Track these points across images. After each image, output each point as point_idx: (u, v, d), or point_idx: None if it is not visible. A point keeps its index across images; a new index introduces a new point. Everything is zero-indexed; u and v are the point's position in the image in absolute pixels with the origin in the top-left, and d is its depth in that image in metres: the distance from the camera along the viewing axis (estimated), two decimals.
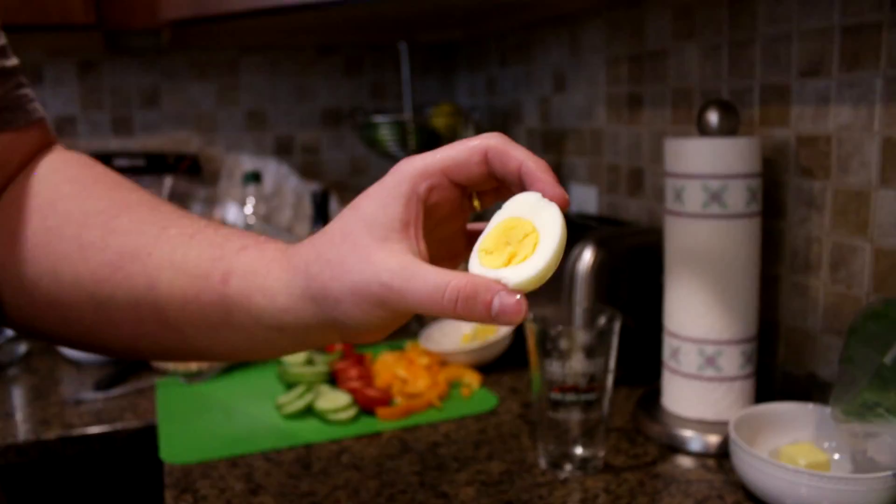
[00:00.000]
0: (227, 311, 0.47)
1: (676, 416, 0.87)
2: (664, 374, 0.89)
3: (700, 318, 0.84)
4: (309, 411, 0.95)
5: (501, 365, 1.09)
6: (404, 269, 0.42)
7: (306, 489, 0.76)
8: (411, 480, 0.78)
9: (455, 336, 1.13)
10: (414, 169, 0.45)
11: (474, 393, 1.00)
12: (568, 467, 0.78)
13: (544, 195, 0.44)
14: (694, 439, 0.83)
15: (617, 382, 1.00)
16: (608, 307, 0.80)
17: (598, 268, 0.99)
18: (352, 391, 0.96)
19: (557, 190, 0.44)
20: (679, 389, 0.87)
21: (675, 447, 0.83)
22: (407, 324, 1.31)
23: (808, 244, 0.89)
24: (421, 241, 0.45)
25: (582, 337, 0.77)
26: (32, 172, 0.54)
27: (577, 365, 0.76)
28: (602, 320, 0.79)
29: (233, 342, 0.49)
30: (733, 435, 0.72)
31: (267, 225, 1.42)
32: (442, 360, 1.07)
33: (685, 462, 0.81)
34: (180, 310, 0.48)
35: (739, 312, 0.83)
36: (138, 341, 0.51)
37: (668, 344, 0.88)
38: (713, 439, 0.82)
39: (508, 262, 0.43)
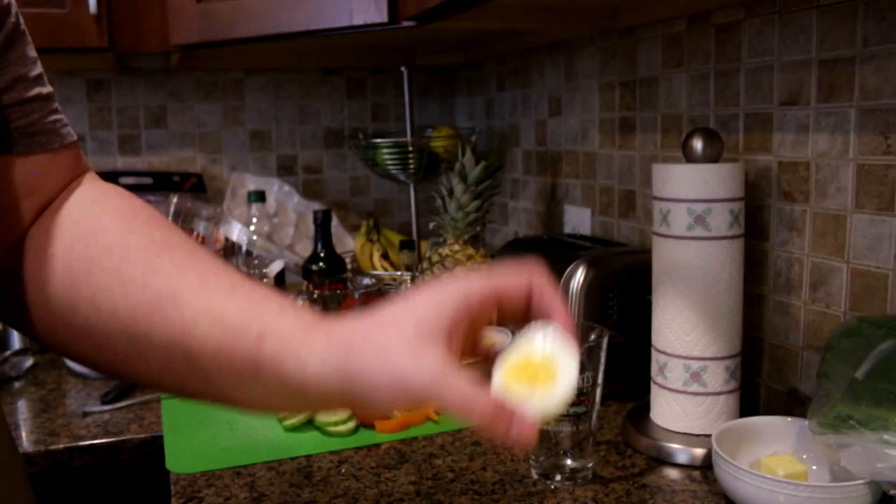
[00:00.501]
0: (256, 369, 0.49)
1: (663, 430, 0.90)
2: (652, 389, 0.93)
3: (686, 335, 0.88)
4: (309, 424, 0.98)
5: None
6: (444, 372, 0.46)
7: (307, 498, 0.80)
8: (408, 490, 0.81)
9: None
10: (472, 287, 0.50)
11: None
12: (558, 478, 0.82)
13: (564, 333, 0.51)
14: (680, 452, 0.86)
15: (607, 398, 1.04)
16: (596, 325, 0.84)
17: (590, 286, 1.03)
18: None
19: (575, 333, 0.52)
20: (666, 404, 0.90)
21: (662, 459, 0.87)
22: None
23: (790, 265, 0.93)
24: (459, 346, 0.49)
25: None
26: (70, 198, 0.57)
27: None
28: (591, 337, 0.82)
29: (253, 396, 0.52)
30: (716, 447, 0.76)
31: (269, 243, 1.46)
32: None
33: (671, 473, 0.84)
34: (211, 359, 0.50)
35: (723, 330, 0.87)
36: (165, 378, 0.53)
37: (656, 360, 0.92)
38: (698, 452, 0.86)
39: (531, 390, 0.49)
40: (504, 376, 0.50)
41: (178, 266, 0.52)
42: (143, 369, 0.53)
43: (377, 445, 0.93)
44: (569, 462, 0.82)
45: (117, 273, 0.52)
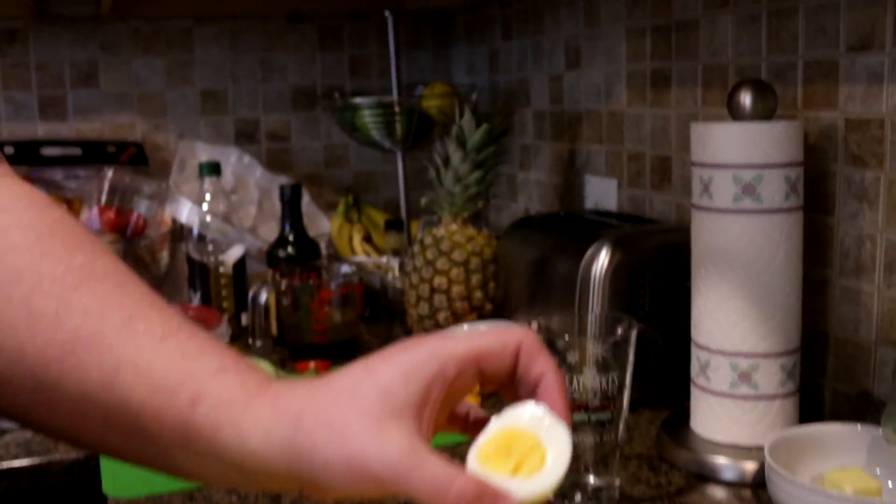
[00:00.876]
0: (187, 436, 0.49)
1: (706, 441, 0.91)
2: (693, 393, 0.94)
3: (732, 327, 0.89)
4: None
5: None
6: (412, 454, 0.46)
7: None
8: None
9: None
10: (448, 351, 0.50)
11: None
12: (578, 498, 0.83)
13: (553, 412, 0.51)
14: (726, 467, 0.88)
15: (640, 404, 1.05)
16: (625, 315, 0.85)
17: (616, 271, 1.04)
18: None
19: (566, 413, 0.51)
20: (709, 410, 0.91)
21: (705, 475, 0.88)
22: (393, 334, 1.36)
23: (860, 243, 0.94)
24: (431, 425, 0.49)
25: (594, 349, 0.81)
26: None
27: (588, 380, 0.81)
28: (617, 330, 0.83)
29: (183, 465, 0.52)
30: (769, 459, 0.77)
31: (227, 225, 1.47)
32: None
33: (716, 492, 0.85)
34: (134, 419, 0.50)
35: (778, 321, 0.88)
36: (79, 434, 0.53)
37: (697, 358, 0.93)
38: (749, 466, 0.87)
39: (514, 473, 0.49)
40: (481, 456, 0.50)
41: (100, 302, 0.52)
42: (52, 421, 0.53)
43: None
44: (591, 479, 0.83)
45: (25, 306, 0.51)
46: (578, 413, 0.81)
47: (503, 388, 0.54)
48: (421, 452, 0.47)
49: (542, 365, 0.52)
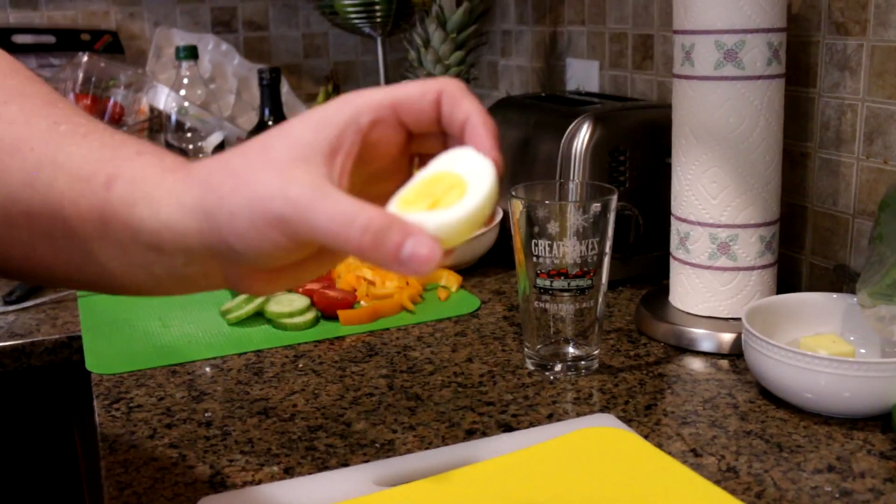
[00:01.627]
0: (104, 220, 0.49)
1: (684, 314, 0.91)
2: (672, 267, 0.94)
3: (712, 198, 0.88)
4: (259, 316, 0.99)
5: (484, 266, 1.14)
6: (316, 189, 0.44)
7: (258, 395, 0.81)
8: (378, 384, 0.82)
9: None
10: (360, 98, 0.48)
11: (452, 295, 1.05)
12: (558, 368, 0.83)
13: (479, 152, 0.47)
14: (704, 337, 0.88)
15: (619, 283, 1.05)
16: (603, 184, 0.84)
17: (596, 148, 1.02)
18: (309, 294, 1.00)
19: (495, 152, 0.47)
20: (688, 283, 0.91)
21: (683, 347, 0.88)
22: None
23: (841, 113, 0.93)
24: (346, 176, 0.47)
25: (574, 216, 0.80)
26: None
27: (567, 248, 0.80)
28: (597, 198, 0.82)
29: (104, 262, 0.51)
30: (746, 324, 0.77)
31: (205, 112, 1.44)
32: None
33: (693, 363, 0.86)
34: (54, 215, 0.50)
35: (757, 191, 0.87)
36: (8, 249, 0.52)
37: (676, 231, 0.92)
38: (726, 337, 0.87)
39: (430, 209, 0.45)
40: (401, 204, 0.46)
41: (27, 114, 0.52)
42: None
43: (341, 339, 0.94)
44: (570, 350, 0.83)
45: None
46: (558, 280, 0.80)
47: (431, 142, 0.51)
48: (325, 189, 0.44)
49: (466, 108, 0.48)
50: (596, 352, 0.84)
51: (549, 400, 0.78)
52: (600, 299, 0.83)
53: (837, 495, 0.63)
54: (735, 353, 0.86)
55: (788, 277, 0.98)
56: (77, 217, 0.49)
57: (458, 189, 0.45)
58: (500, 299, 1.04)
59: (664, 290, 0.96)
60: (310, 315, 0.97)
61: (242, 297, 1.00)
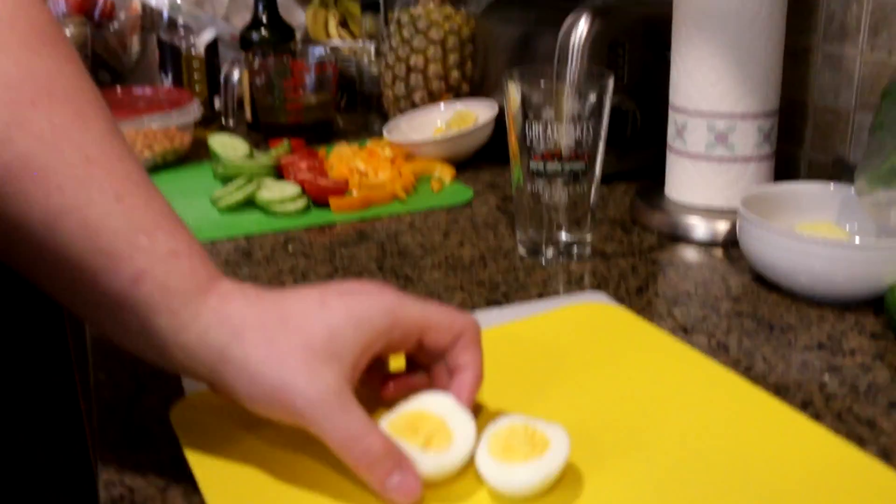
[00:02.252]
0: (120, 308, 0.47)
1: (680, 204, 0.90)
2: (668, 158, 0.92)
3: (711, 87, 0.86)
4: (250, 204, 0.97)
5: (479, 160, 1.12)
6: (336, 397, 0.46)
7: (247, 275, 0.80)
8: (368, 266, 0.81)
9: (426, 128, 1.15)
10: (401, 311, 0.50)
11: (446, 187, 1.03)
12: (550, 253, 0.82)
13: (458, 400, 0.51)
14: (698, 226, 0.87)
15: (614, 177, 1.04)
16: (601, 68, 0.82)
17: (594, 42, 1.00)
18: (301, 182, 0.98)
19: (471, 405, 0.51)
20: (684, 173, 0.90)
21: (678, 236, 0.87)
22: (369, 122, 1.33)
23: (846, 5, 0.90)
24: (358, 377, 0.49)
25: (570, 102, 0.78)
26: None
27: (562, 132, 0.78)
28: (593, 82, 0.80)
29: (101, 323, 0.50)
30: (742, 209, 0.76)
31: (198, 8, 1.41)
32: (409, 154, 1.09)
33: (687, 251, 0.85)
34: (68, 269, 0.47)
35: (757, 81, 0.85)
36: (7, 252, 0.49)
37: (674, 121, 0.90)
38: (721, 227, 0.86)
39: (425, 448, 0.48)
40: (391, 427, 0.50)
41: (58, 128, 0.47)
42: None
43: (332, 225, 0.93)
44: (563, 236, 0.82)
45: None
46: (552, 163, 0.79)
47: (423, 356, 0.54)
48: (346, 398, 0.47)
49: (471, 356, 0.52)
50: (589, 238, 0.83)
51: (539, 281, 0.77)
52: (594, 187, 0.81)
53: (826, 370, 0.62)
54: (729, 243, 0.85)
55: (786, 173, 0.97)
56: (91, 287, 0.47)
57: (444, 434, 0.49)
58: (493, 191, 1.03)
59: (660, 182, 0.95)
60: (301, 202, 0.96)
61: (233, 183, 0.99)
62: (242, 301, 0.49)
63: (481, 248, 0.85)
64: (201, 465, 0.50)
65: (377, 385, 0.55)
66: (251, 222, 0.94)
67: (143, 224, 0.48)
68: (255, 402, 0.48)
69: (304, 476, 0.49)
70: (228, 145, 1.10)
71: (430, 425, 0.49)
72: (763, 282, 0.76)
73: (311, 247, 0.86)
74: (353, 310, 0.49)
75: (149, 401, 0.59)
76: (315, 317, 0.48)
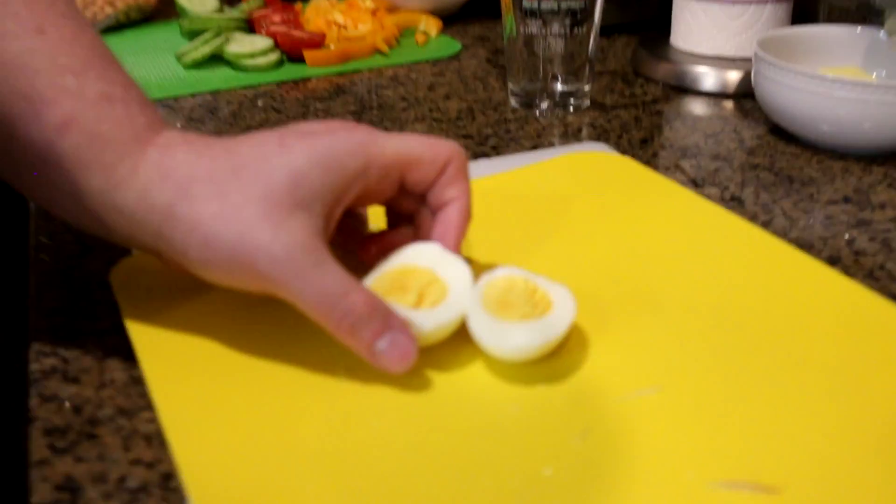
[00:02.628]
0: (44, 159, 0.40)
1: (688, 53, 0.82)
2: (675, 3, 0.83)
3: None
4: (217, 59, 0.89)
5: (468, 14, 1.03)
6: (309, 254, 0.39)
7: (211, 131, 0.72)
8: (345, 119, 0.73)
9: None
10: (375, 148, 0.42)
11: (431, 40, 0.95)
12: (545, 105, 0.74)
13: (444, 246, 0.44)
14: (708, 75, 0.78)
15: (615, 30, 0.95)
16: None
17: None
18: (273, 35, 0.90)
19: (457, 248, 0.44)
20: (693, 19, 0.81)
21: (684, 87, 0.79)
22: None
23: None
24: (334, 228, 0.42)
25: None
26: None
27: None
28: None
29: (30, 186, 0.43)
30: (759, 51, 0.68)
31: None
32: (392, 5, 1.00)
33: (695, 102, 0.77)
34: None
35: None
36: None
37: None
38: (733, 76, 0.78)
39: (417, 305, 0.41)
40: (377, 285, 0.42)
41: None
42: None
43: (306, 80, 0.84)
44: (559, 86, 0.74)
45: None
46: (547, 1, 0.70)
47: (405, 201, 0.46)
48: (319, 253, 0.39)
49: (457, 189, 0.44)
50: (587, 88, 0.75)
51: (533, 134, 0.70)
52: (593, 34, 0.73)
53: (854, 224, 0.55)
54: (741, 93, 0.77)
55: (804, 18, 0.88)
56: (9, 137, 0.40)
57: (436, 286, 0.42)
58: (483, 45, 0.94)
59: (665, 33, 0.86)
60: (273, 56, 0.87)
61: (200, 38, 0.90)
62: (188, 151, 0.41)
63: (469, 100, 0.77)
64: (142, 333, 0.43)
65: (357, 248, 0.48)
66: (218, 78, 0.85)
67: (69, 62, 0.41)
68: (212, 269, 0.40)
69: (261, 344, 0.42)
70: (196, 0, 1.01)
71: (418, 279, 0.42)
72: (780, 133, 0.69)
73: (282, 102, 0.78)
74: (319, 150, 0.41)
75: (93, 264, 0.52)
76: (274, 162, 0.40)
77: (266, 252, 0.38)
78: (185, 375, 0.40)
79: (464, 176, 0.45)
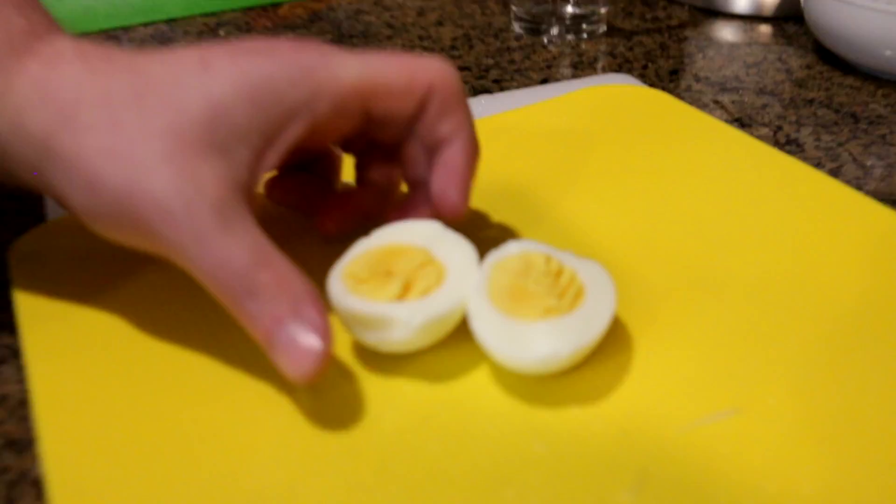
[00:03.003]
0: None
1: None
2: None
3: None
4: None
5: None
6: (218, 213, 0.28)
7: None
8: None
9: None
10: (325, 73, 0.31)
11: None
12: (554, 30, 0.63)
13: (443, 198, 0.33)
14: None
15: None
16: None
17: None
18: None
19: (463, 200, 0.33)
20: None
21: (714, 10, 0.68)
22: None
23: None
24: (263, 174, 0.31)
25: None
26: None
27: None
28: None
29: None
30: None
31: None
32: None
33: (727, 27, 0.66)
34: None
35: None
36: None
37: None
38: None
39: (402, 296, 0.30)
40: (349, 279, 0.31)
41: None
42: None
43: (276, 6, 0.73)
44: (570, 9, 0.63)
45: None
46: None
47: (386, 132, 0.35)
48: (230, 213, 0.29)
49: (454, 123, 0.34)
50: (603, 10, 0.64)
51: (542, 64, 0.59)
52: None
53: None
54: (780, 16, 0.66)
55: None
56: None
57: (431, 268, 0.31)
58: None
59: None
60: None
61: None
62: (80, 66, 0.30)
63: (465, 26, 0.66)
64: (30, 311, 0.33)
65: (315, 214, 0.37)
66: (175, 5, 0.74)
67: None
68: (97, 219, 0.30)
69: (185, 335, 0.32)
70: None
71: (408, 261, 0.31)
72: (833, 62, 0.58)
73: (248, 32, 0.67)
74: (252, 76, 0.30)
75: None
76: (191, 87, 0.30)
77: (159, 204, 0.28)
78: (73, 372, 0.30)
79: (459, 103, 0.34)
